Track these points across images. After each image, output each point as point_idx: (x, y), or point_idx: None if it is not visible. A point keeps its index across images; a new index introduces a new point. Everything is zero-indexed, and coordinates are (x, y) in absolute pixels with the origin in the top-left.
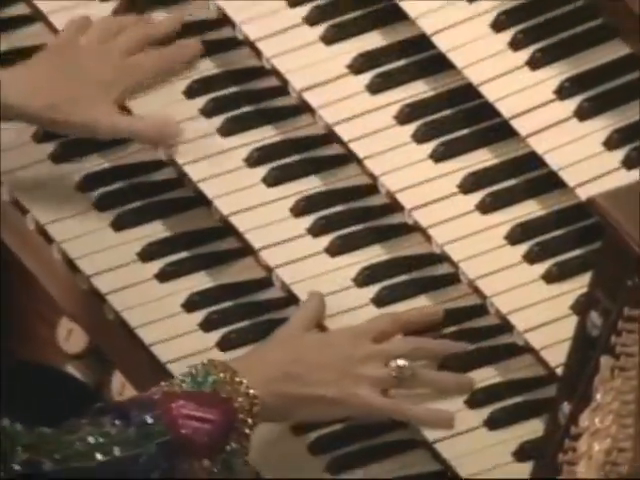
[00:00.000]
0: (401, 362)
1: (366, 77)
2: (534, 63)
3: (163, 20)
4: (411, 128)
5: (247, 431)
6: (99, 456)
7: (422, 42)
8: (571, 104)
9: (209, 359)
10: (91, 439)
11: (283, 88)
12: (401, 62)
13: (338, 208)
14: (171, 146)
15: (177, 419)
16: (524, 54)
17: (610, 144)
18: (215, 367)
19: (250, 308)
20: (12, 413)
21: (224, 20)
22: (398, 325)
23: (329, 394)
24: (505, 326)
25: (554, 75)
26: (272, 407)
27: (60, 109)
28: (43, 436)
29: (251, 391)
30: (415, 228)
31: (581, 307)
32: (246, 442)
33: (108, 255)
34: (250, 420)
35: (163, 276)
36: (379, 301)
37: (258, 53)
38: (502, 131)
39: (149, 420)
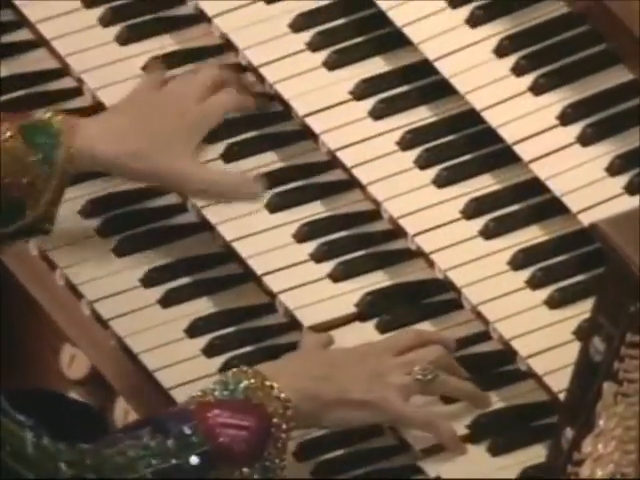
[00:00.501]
0: (424, 366)
1: (369, 103)
2: (537, 89)
3: (225, 66)
4: (414, 154)
5: (283, 436)
6: (141, 469)
7: (425, 68)
8: (574, 130)
9: (240, 368)
10: (132, 452)
11: (286, 113)
12: (404, 88)
13: (341, 234)
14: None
15: (214, 428)
16: (527, 80)
17: (613, 170)
18: (245, 373)
19: (253, 334)
20: None
21: (227, 45)
22: (420, 341)
23: (360, 397)
24: (508, 352)
25: (557, 101)
26: (304, 411)
27: (146, 158)
28: (84, 452)
29: (282, 395)
30: (418, 254)
31: (584, 333)
32: (283, 447)
33: (111, 281)
34: (285, 425)
35: (166, 302)
36: (382, 328)
37: (261, 79)
38: (505, 157)
39: (187, 431)
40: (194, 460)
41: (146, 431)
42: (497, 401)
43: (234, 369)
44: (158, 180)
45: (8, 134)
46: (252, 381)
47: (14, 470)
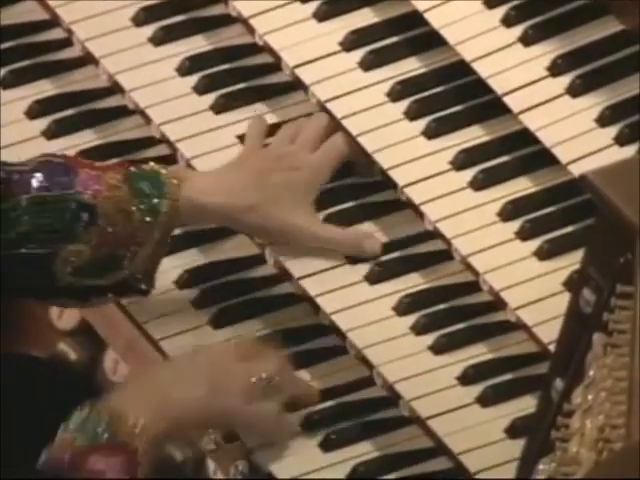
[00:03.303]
0: (263, 374)
1: (358, 54)
2: (527, 40)
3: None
4: (403, 105)
5: (147, 458)
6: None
7: (415, 19)
8: (564, 81)
9: (90, 406)
10: None
11: (276, 65)
12: (393, 39)
13: (330, 185)
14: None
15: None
16: (517, 31)
17: (603, 121)
18: (99, 413)
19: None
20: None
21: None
22: (259, 353)
23: (206, 413)
24: (498, 303)
25: (547, 52)
26: (161, 431)
27: (258, 211)
28: None
29: (137, 429)
30: (407, 205)
31: (573, 284)
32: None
33: None
34: (148, 448)
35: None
36: (373, 280)
37: (251, 30)
38: (494, 108)
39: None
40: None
41: None
42: (486, 352)
43: (86, 409)
44: (269, 234)
45: (114, 182)
46: (108, 421)
47: None
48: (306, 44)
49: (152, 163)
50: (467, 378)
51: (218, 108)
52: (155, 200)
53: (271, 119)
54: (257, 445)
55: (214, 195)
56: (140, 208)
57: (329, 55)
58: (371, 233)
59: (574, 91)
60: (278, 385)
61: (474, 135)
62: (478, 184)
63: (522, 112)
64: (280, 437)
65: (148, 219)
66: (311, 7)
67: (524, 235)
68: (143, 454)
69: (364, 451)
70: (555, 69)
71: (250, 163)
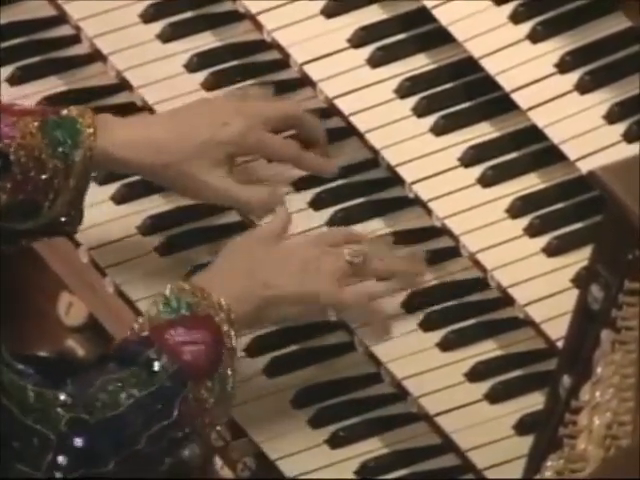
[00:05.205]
0: (354, 247)
1: (367, 51)
2: (535, 36)
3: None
4: (412, 102)
5: (233, 342)
6: (123, 401)
7: (423, 15)
8: (572, 77)
9: (175, 283)
10: (110, 387)
11: (284, 61)
12: (402, 36)
13: (339, 182)
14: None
15: (176, 348)
16: (525, 27)
17: (611, 117)
18: (183, 290)
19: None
20: None
21: None
22: (351, 238)
23: (293, 290)
24: (506, 299)
25: (555, 48)
26: (243, 314)
27: (175, 168)
28: (72, 394)
29: (223, 302)
30: (416, 201)
31: (582, 280)
32: (234, 353)
33: (109, 228)
34: (232, 331)
35: (164, 249)
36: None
37: (259, 26)
38: (503, 104)
39: (153, 355)
40: (168, 383)
41: (113, 366)
42: (495, 349)
43: (170, 286)
44: (185, 191)
45: (29, 129)
46: (192, 295)
47: (19, 419)
48: (314, 41)
49: (73, 108)
50: (475, 375)
51: None
52: (68, 149)
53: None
54: (356, 324)
55: (131, 150)
56: (53, 156)
57: (337, 52)
58: (277, 193)
59: (582, 88)
60: (374, 266)
61: (483, 132)
62: (487, 181)
63: (531, 109)
64: (378, 318)
65: (61, 167)
66: (319, 4)
67: (532, 231)
68: (232, 337)
69: (372, 448)
70: (563, 66)
71: (179, 117)
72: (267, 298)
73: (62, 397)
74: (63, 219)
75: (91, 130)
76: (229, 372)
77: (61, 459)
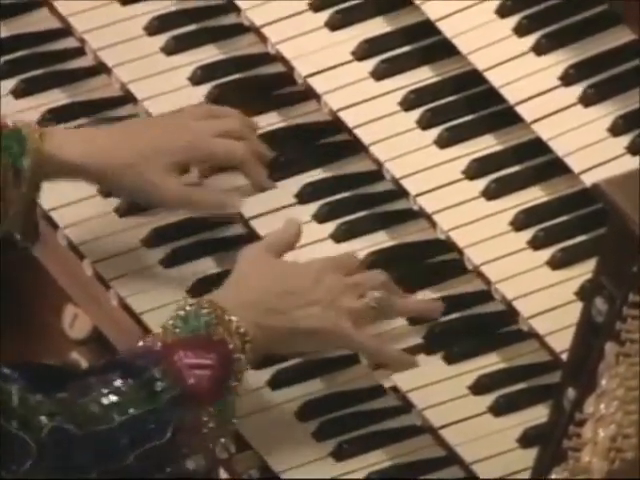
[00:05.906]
0: (377, 293)
1: (371, 63)
2: (539, 49)
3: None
4: (416, 114)
5: (242, 369)
6: (116, 417)
7: (427, 28)
8: (576, 90)
9: (198, 300)
10: (105, 400)
11: (289, 74)
12: (406, 48)
13: (343, 194)
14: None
15: (182, 371)
16: (529, 40)
17: (615, 130)
18: (203, 307)
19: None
20: None
21: (230, 6)
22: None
23: (312, 325)
24: (510, 312)
25: (559, 61)
26: (259, 342)
27: (133, 170)
28: (62, 402)
29: (242, 329)
30: (420, 214)
31: (586, 293)
32: (241, 378)
33: (113, 241)
34: (244, 358)
35: (168, 262)
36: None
37: (264, 39)
38: (507, 117)
39: (157, 375)
40: (167, 406)
41: (116, 375)
42: (499, 361)
43: (191, 302)
44: (138, 195)
45: None
46: (212, 316)
47: (1, 424)
48: (319, 53)
49: (18, 121)
50: (479, 387)
51: None
52: (16, 157)
53: (283, 127)
54: (371, 366)
55: (79, 153)
56: (5, 167)
57: (342, 64)
58: (233, 194)
59: (586, 100)
60: (388, 306)
61: (487, 144)
62: (491, 193)
63: (535, 121)
64: (395, 361)
65: (11, 177)
66: (324, 16)
67: (536, 244)
68: (242, 364)
69: (376, 460)
70: (567, 78)
71: (129, 128)
72: (285, 330)
73: (47, 405)
74: (17, 235)
75: (36, 136)
76: (232, 399)
77: (39, 468)
